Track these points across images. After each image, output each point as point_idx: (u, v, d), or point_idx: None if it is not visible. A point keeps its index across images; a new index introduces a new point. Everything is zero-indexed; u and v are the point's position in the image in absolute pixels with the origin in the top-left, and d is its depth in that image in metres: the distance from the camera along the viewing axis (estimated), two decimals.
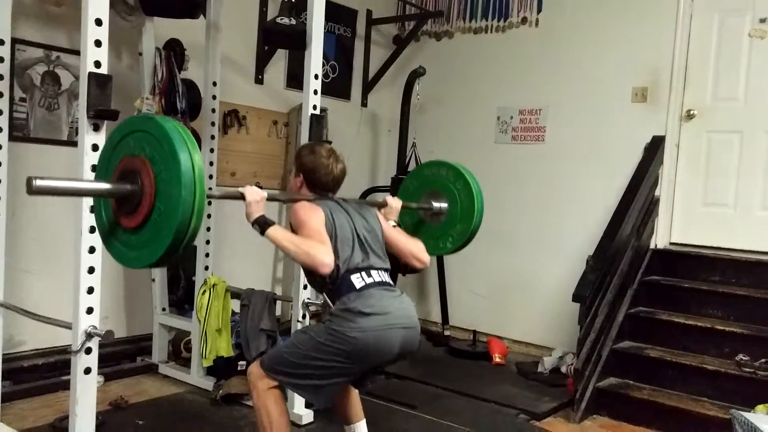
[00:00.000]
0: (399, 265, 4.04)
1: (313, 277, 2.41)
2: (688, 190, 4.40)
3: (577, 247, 4.50)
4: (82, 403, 2.38)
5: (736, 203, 4.22)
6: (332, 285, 2.38)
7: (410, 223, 3.10)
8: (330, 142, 4.10)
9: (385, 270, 2.49)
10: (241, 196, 2.30)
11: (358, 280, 2.36)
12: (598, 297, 3.78)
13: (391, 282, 2.49)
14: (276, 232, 2.27)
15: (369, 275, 2.39)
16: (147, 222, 1.85)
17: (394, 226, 2.74)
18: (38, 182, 1.73)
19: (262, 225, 2.27)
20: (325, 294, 2.46)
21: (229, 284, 3.59)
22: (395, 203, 2.85)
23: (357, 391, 2.69)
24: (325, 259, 2.21)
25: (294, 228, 2.36)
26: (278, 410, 2.37)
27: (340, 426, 2.86)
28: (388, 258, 2.56)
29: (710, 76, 4.30)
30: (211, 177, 3.81)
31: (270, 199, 2.38)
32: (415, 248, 2.66)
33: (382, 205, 2.83)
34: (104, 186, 1.96)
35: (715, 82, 4.29)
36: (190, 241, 1.82)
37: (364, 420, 2.68)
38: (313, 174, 2.51)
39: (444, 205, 3.09)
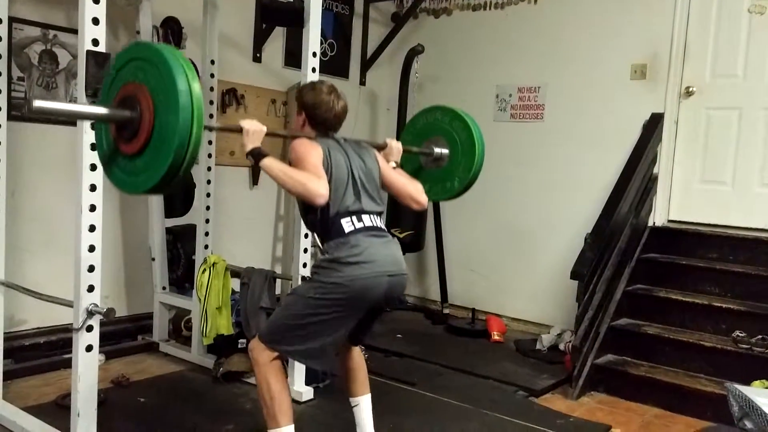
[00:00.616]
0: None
1: (308, 214, 2.43)
2: (686, 168, 4.40)
3: (576, 224, 4.51)
4: (84, 381, 2.40)
5: (734, 180, 4.22)
6: (323, 226, 2.40)
7: (411, 170, 3.04)
8: None
9: (378, 213, 2.50)
10: (239, 129, 2.32)
11: (347, 224, 2.37)
12: (596, 274, 3.80)
13: (382, 227, 2.50)
14: (271, 162, 2.28)
15: (360, 219, 2.40)
16: (146, 148, 1.87)
17: (394, 167, 2.72)
18: (37, 102, 1.77)
19: (256, 156, 2.29)
20: (315, 235, 2.49)
21: (228, 263, 3.61)
22: (396, 144, 2.82)
23: (364, 363, 2.69)
24: (320, 189, 2.23)
25: (292, 164, 2.36)
26: (279, 385, 2.39)
27: (340, 403, 2.89)
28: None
29: (709, 52, 4.28)
30: (210, 156, 3.81)
31: (269, 134, 2.39)
32: (413, 189, 2.64)
33: (382, 147, 2.81)
34: (101, 110, 1.97)
35: (714, 58, 4.27)
36: (188, 168, 1.83)
37: (369, 394, 2.68)
38: (314, 110, 2.50)
39: (445, 151, 3.06)
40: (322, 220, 2.39)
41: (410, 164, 3.09)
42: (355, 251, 2.32)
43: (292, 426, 2.41)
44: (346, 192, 2.40)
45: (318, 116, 2.50)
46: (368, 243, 2.37)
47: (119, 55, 2.00)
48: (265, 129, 2.35)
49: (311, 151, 2.36)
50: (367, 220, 2.42)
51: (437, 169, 3.10)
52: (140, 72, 1.88)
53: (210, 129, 2.10)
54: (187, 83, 1.78)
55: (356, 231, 2.37)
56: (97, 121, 2.09)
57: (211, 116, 3.80)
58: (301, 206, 2.48)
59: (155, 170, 1.84)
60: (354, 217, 2.39)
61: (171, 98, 1.78)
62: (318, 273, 2.36)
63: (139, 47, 2.01)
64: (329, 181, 2.32)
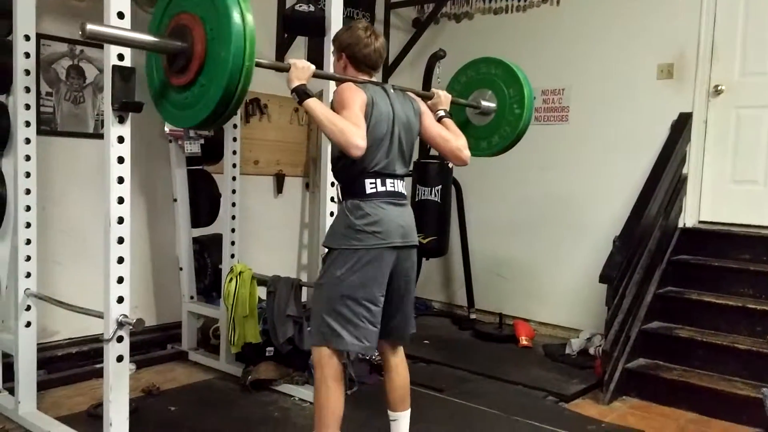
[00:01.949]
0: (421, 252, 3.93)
1: (339, 161, 2.42)
2: (716, 168, 4.32)
3: (603, 227, 4.46)
4: (116, 391, 2.43)
5: (767, 180, 4.13)
6: (347, 179, 2.43)
7: (457, 124, 2.90)
8: None
9: (402, 177, 2.49)
10: (288, 67, 2.29)
11: (370, 185, 2.38)
12: (625, 277, 3.74)
13: (403, 191, 2.49)
14: (315, 104, 2.24)
15: (383, 183, 2.40)
16: (196, 80, 1.87)
17: (443, 117, 2.67)
18: (90, 26, 1.78)
19: (301, 94, 2.25)
20: (338, 186, 2.51)
21: (255, 271, 3.63)
22: (444, 93, 2.76)
23: (405, 375, 2.61)
24: (358, 142, 2.18)
25: (335, 108, 2.32)
26: (334, 394, 2.38)
27: (368, 412, 2.87)
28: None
29: (738, 50, 4.20)
30: (234, 166, 3.84)
31: (317, 75, 2.36)
32: (455, 146, 2.56)
33: (429, 97, 2.75)
34: (152, 38, 1.98)
35: (743, 56, 4.19)
36: (238, 102, 1.82)
37: (409, 411, 2.61)
38: (354, 48, 2.45)
39: (492, 104, 3.04)
40: (348, 172, 2.40)
41: (456, 118, 3.01)
42: (369, 220, 2.35)
43: None
44: (380, 150, 2.38)
45: (357, 54, 2.46)
46: (383, 212, 2.38)
47: None
48: (313, 67, 2.31)
49: (356, 97, 2.32)
50: (389, 184, 2.42)
51: (483, 126, 3.08)
52: (195, 3, 1.88)
53: (260, 66, 2.09)
54: (242, 17, 1.77)
55: (376, 194, 2.38)
56: (149, 50, 2.09)
57: (235, 126, 3.84)
58: (335, 151, 2.43)
59: (206, 103, 1.85)
60: (379, 180, 2.39)
61: (224, 30, 1.77)
62: (334, 240, 2.40)
63: None
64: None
